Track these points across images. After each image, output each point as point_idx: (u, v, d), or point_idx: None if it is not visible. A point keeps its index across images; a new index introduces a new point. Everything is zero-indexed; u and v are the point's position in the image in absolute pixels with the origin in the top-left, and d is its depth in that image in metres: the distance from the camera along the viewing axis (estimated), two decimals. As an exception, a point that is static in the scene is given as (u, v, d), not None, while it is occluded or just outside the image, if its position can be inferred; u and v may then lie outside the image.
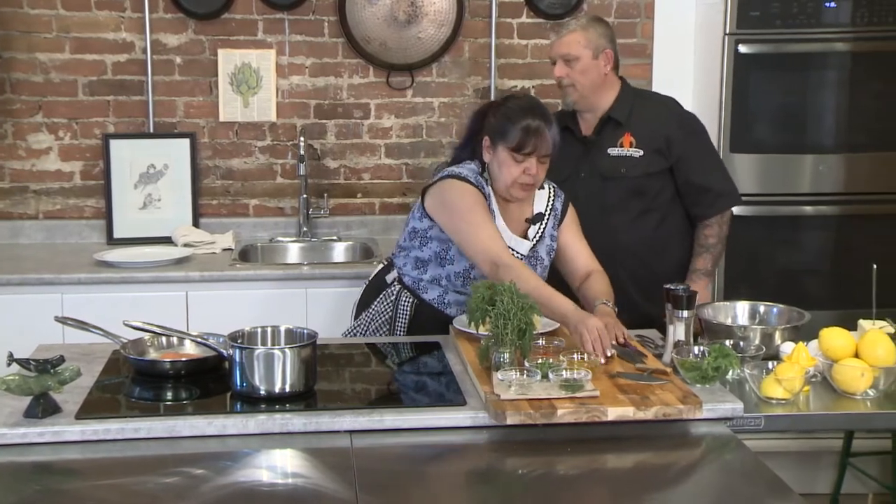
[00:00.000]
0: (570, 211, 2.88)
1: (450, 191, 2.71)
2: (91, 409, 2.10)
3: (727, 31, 3.74)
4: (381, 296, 2.83)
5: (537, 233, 2.79)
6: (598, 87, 3.06)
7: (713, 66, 3.77)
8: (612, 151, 3.07)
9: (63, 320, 2.48)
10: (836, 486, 3.65)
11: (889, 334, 2.35)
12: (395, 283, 2.83)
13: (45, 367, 2.05)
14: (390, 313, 2.80)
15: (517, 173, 2.67)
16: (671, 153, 3.06)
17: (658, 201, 3.10)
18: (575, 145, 3.10)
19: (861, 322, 2.47)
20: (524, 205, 2.80)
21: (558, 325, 2.58)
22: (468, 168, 2.76)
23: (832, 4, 3.73)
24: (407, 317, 2.78)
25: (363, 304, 2.92)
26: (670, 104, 3.19)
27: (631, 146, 3.05)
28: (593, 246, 2.89)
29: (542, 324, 2.56)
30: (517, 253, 2.73)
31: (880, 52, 3.78)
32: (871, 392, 2.27)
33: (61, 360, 2.10)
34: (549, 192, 2.85)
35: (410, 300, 2.79)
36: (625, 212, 3.07)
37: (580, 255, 2.83)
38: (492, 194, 2.74)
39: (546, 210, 2.82)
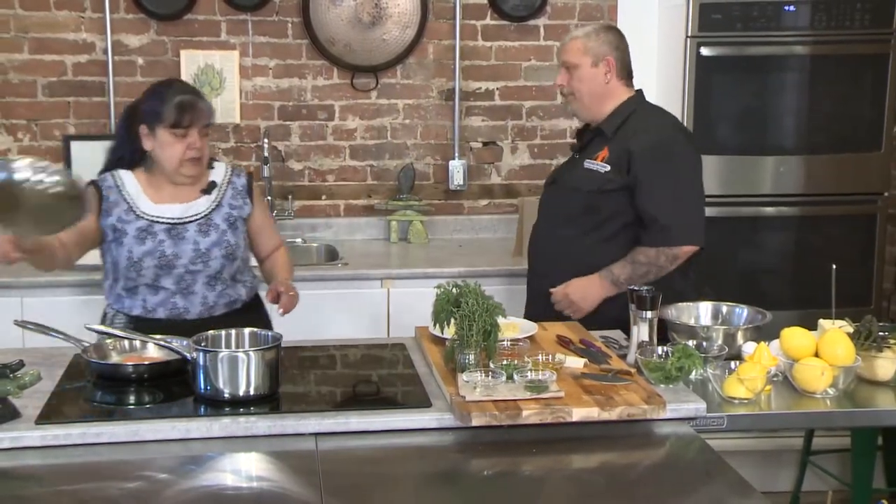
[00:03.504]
0: (258, 193, 2.91)
1: None
2: (52, 413, 2.07)
3: (689, 34, 3.76)
4: None
5: (214, 201, 2.79)
6: (598, 96, 2.90)
7: (675, 68, 3.80)
8: (587, 164, 2.91)
9: (23, 324, 2.45)
10: (796, 483, 3.69)
11: (848, 334, 2.38)
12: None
13: (4, 371, 2.02)
14: None
15: (181, 150, 2.69)
16: (629, 172, 2.82)
17: (612, 223, 2.87)
18: (571, 154, 3.02)
19: (821, 322, 2.50)
20: (197, 179, 2.79)
21: (535, 330, 2.58)
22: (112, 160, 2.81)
23: (792, 8, 3.78)
24: None
25: None
26: (664, 123, 2.94)
27: (602, 160, 2.87)
28: (537, 253, 2.99)
29: (520, 329, 2.57)
30: (167, 219, 2.72)
31: (839, 55, 3.84)
32: (830, 391, 2.30)
33: (21, 364, 2.07)
34: (227, 168, 2.88)
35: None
36: (574, 226, 2.90)
37: (267, 240, 2.95)
38: (124, 179, 2.75)
39: (223, 181, 2.83)
